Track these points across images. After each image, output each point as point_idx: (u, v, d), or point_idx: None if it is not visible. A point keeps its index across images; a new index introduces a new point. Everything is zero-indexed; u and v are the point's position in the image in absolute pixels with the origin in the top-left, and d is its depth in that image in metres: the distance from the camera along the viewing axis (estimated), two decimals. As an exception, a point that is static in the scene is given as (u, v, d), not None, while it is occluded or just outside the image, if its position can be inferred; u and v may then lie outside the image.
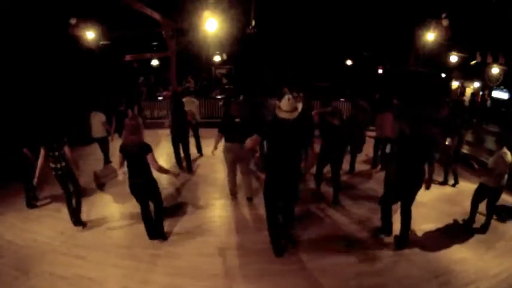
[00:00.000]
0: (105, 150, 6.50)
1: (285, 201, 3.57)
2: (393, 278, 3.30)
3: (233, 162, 4.73)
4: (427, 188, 3.81)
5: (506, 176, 4.07)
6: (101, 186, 5.52)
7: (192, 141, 6.50)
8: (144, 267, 3.41)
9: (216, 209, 4.77)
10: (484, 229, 4.26)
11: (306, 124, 4.81)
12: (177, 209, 4.73)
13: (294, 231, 4.03)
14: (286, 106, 3.22)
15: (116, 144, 6.60)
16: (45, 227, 4.21)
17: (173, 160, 6.31)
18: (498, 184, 4.06)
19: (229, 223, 4.36)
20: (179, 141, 6.07)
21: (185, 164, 6.22)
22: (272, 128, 3.37)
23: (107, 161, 6.57)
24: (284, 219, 3.70)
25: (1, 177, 5.31)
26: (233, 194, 5.05)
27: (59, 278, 3.25)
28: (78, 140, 6.30)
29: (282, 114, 3.24)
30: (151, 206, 3.87)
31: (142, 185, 3.63)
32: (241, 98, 6.34)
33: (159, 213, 3.89)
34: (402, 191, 3.79)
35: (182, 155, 6.23)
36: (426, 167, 3.70)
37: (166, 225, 4.19)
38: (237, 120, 4.57)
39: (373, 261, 3.56)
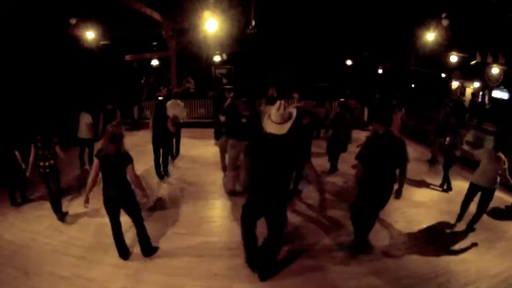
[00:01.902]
0: (85, 153, 6.32)
1: (272, 227, 3.05)
2: (393, 278, 3.30)
3: (236, 158, 4.81)
4: (397, 197, 3.50)
5: (498, 178, 4.05)
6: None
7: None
8: (144, 267, 3.41)
9: (216, 209, 4.77)
10: (469, 227, 4.25)
11: (301, 133, 4.33)
12: (177, 209, 4.72)
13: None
14: (277, 117, 2.72)
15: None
16: (44, 226, 4.20)
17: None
18: (492, 185, 4.06)
19: (229, 223, 4.35)
20: (160, 145, 5.71)
21: (162, 168, 5.84)
22: (257, 144, 2.89)
23: (82, 164, 6.33)
24: (270, 245, 3.17)
25: (1, 177, 5.31)
26: (232, 192, 5.07)
27: (59, 278, 3.25)
28: (71, 140, 6.20)
29: (270, 128, 2.75)
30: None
31: (117, 199, 3.29)
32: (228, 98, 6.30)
33: (140, 229, 3.50)
34: (368, 197, 3.48)
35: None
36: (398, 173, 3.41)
37: (166, 225, 4.19)
38: (243, 120, 4.70)
39: (373, 261, 3.55)
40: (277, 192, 2.87)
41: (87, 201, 3.33)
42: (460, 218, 4.42)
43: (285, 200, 3.04)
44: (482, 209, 4.18)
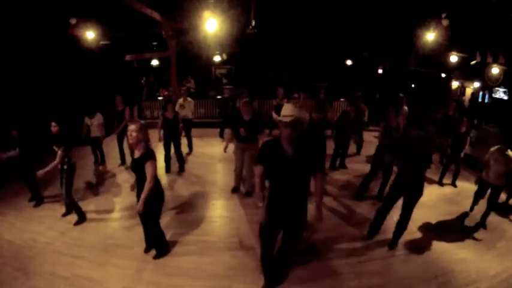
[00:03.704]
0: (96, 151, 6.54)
1: (288, 235, 2.91)
2: (393, 278, 3.30)
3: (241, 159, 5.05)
4: None
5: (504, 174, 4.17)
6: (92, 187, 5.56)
7: (183, 141, 6.47)
8: (144, 267, 3.41)
9: (216, 209, 4.77)
10: (477, 225, 4.36)
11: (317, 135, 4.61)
12: (177, 209, 4.73)
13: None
14: (288, 110, 2.58)
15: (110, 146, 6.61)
16: (45, 227, 4.21)
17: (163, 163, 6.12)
18: (501, 182, 4.18)
19: (229, 223, 4.36)
20: (170, 140, 5.97)
21: (177, 164, 6.16)
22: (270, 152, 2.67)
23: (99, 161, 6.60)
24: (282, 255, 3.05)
25: (1, 177, 5.31)
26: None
27: (59, 278, 3.25)
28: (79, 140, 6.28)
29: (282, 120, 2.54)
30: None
31: None
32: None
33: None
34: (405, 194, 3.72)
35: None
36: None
37: (166, 225, 4.19)
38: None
39: (373, 261, 3.56)
40: (296, 200, 2.79)
41: None
42: (471, 209, 4.60)
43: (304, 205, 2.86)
44: (492, 205, 4.29)
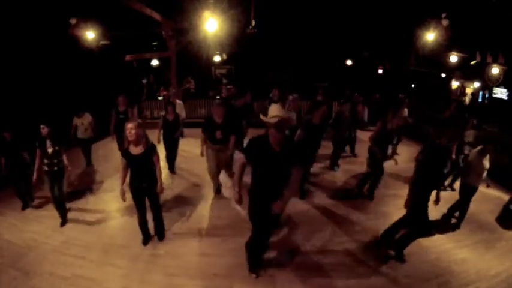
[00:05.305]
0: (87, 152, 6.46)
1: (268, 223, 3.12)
2: (393, 278, 3.30)
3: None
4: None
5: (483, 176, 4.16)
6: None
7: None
8: (144, 267, 3.41)
9: (215, 209, 4.77)
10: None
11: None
12: (177, 209, 4.73)
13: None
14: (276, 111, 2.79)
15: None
16: (45, 227, 4.20)
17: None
18: (477, 183, 4.15)
19: (229, 223, 4.35)
20: (171, 141, 5.91)
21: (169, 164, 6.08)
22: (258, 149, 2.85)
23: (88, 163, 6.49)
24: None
25: (0, 177, 5.30)
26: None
27: (59, 278, 3.25)
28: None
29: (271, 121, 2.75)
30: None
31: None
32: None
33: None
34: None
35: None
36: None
37: (166, 225, 4.18)
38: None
39: (372, 261, 3.56)
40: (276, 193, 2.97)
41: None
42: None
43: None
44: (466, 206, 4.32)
